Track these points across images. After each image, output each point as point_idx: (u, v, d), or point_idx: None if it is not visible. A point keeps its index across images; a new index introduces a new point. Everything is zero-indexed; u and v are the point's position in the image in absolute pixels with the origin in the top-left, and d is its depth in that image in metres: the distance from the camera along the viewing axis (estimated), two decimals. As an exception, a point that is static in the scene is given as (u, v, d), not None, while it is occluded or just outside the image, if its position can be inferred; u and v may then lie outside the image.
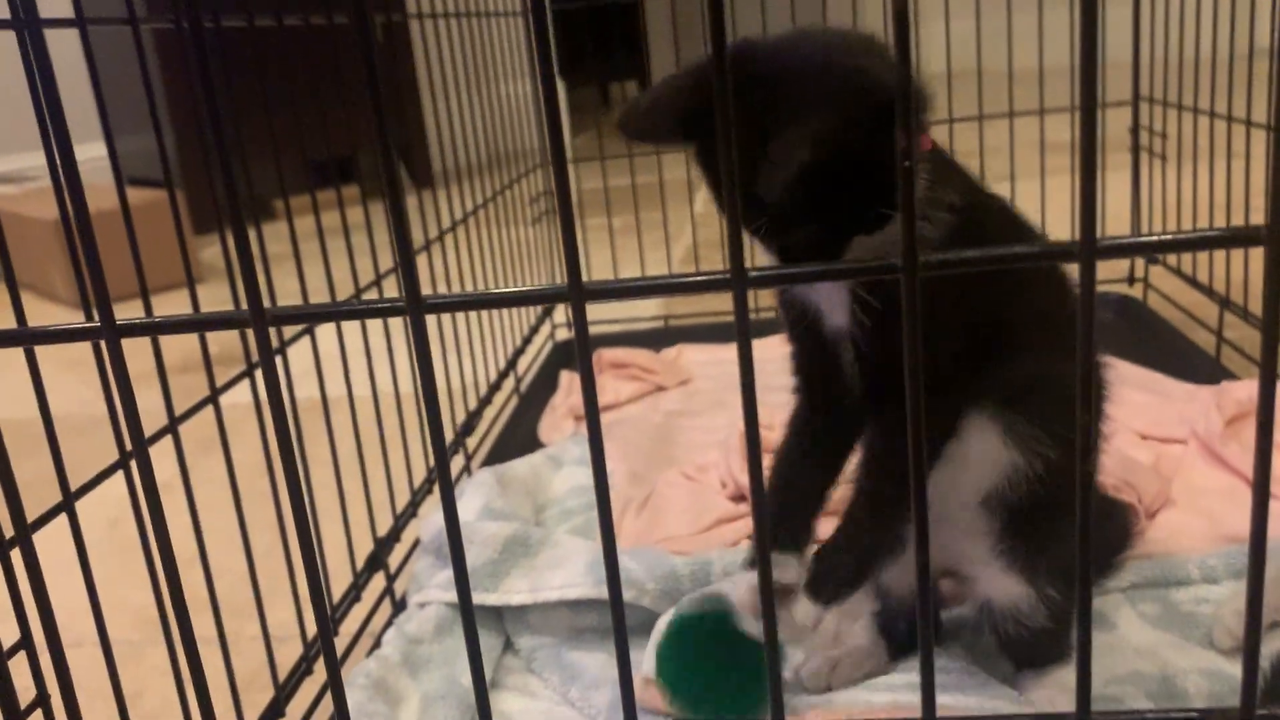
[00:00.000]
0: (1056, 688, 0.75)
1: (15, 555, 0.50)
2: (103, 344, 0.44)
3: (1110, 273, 1.56)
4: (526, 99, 1.63)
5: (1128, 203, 1.55)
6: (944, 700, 0.74)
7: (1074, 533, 0.78)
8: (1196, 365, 1.28)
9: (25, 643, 0.51)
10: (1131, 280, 1.54)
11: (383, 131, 0.32)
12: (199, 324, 0.35)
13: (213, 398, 0.70)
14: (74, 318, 0.37)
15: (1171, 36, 1.36)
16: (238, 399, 0.76)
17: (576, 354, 0.33)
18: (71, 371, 0.97)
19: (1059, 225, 1.55)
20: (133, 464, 0.62)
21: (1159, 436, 1.07)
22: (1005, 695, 0.75)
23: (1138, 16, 1.43)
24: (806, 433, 0.70)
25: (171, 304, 0.69)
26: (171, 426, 0.64)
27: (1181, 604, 0.86)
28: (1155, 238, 0.33)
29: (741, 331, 0.33)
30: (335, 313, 0.34)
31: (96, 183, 2.28)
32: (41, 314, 2.35)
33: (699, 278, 0.33)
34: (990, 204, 0.67)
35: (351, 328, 0.92)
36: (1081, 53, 0.28)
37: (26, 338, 0.36)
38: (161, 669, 0.87)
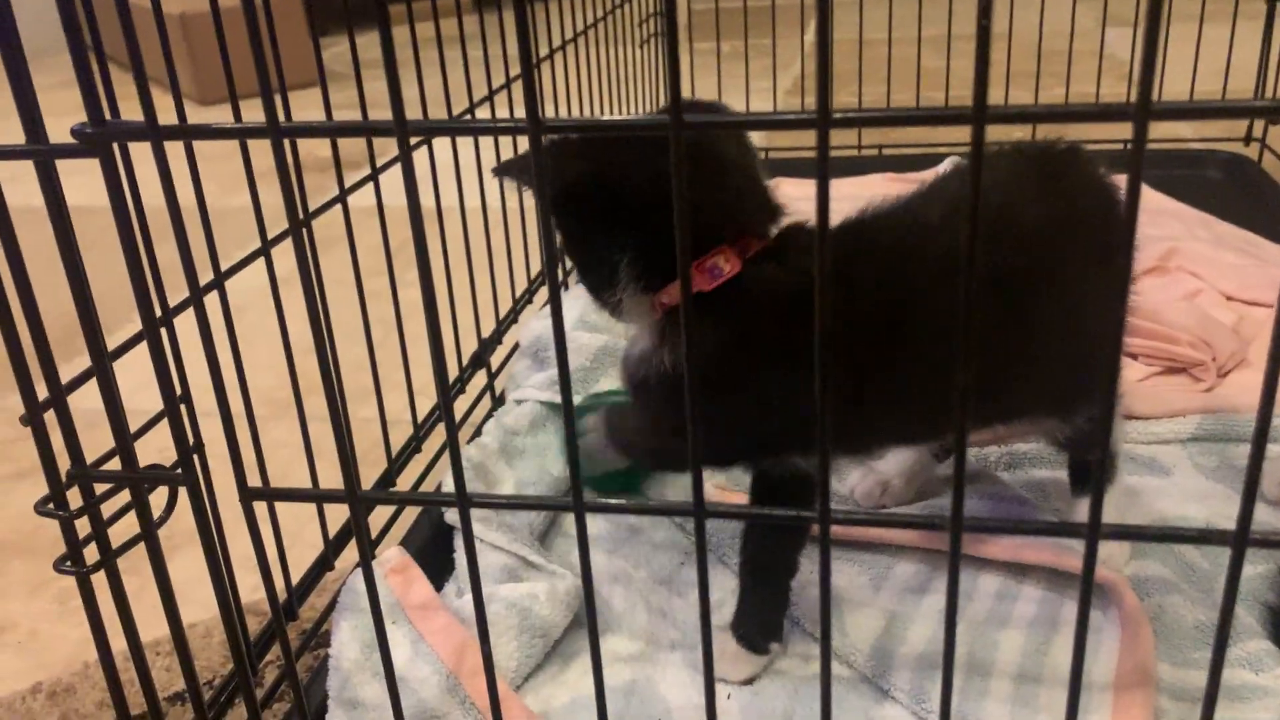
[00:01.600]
0: (1113, 509, 0.79)
1: (177, 322, 0.58)
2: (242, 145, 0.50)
3: (1226, 131, 1.52)
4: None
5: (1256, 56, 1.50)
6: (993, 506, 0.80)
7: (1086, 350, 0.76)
8: (1301, 232, 1.26)
9: (185, 398, 0.60)
10: (1248, 140, 1.50)
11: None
12: (355, 130, 0.40)
13: (341, 197, 0.77)
14: (198, 112, 0.43)
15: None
16: (357, 202, 0.82)
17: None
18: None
19: (1180, 73, 1.51)
20: (273, 251, 0.70)
21: (1245, 299, 1.08)
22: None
23: None
24: None
25: (300, 102, 0.74)
26: (305, 221, 0.71)
27: (1237, 460, 0.89)
28: (1211, 103, 0.36)
29: (821, 173, 0.37)
30: (467, 128, 0.39)
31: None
32: (165, 108, 2.43)
33: (786, 116, 0.37)
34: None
35: (465, 141, 0.97)
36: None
37: (205, 133, 0.42)
38: (283, 442, 0.97)
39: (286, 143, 0.41)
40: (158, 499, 0.53)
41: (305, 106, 0.75)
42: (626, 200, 0.61)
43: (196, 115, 2.52)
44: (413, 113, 0.39)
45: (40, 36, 0.85)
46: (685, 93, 1.50)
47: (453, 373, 1.00)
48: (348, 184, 0.80)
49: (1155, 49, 0.33)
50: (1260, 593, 0.74)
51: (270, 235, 0.71)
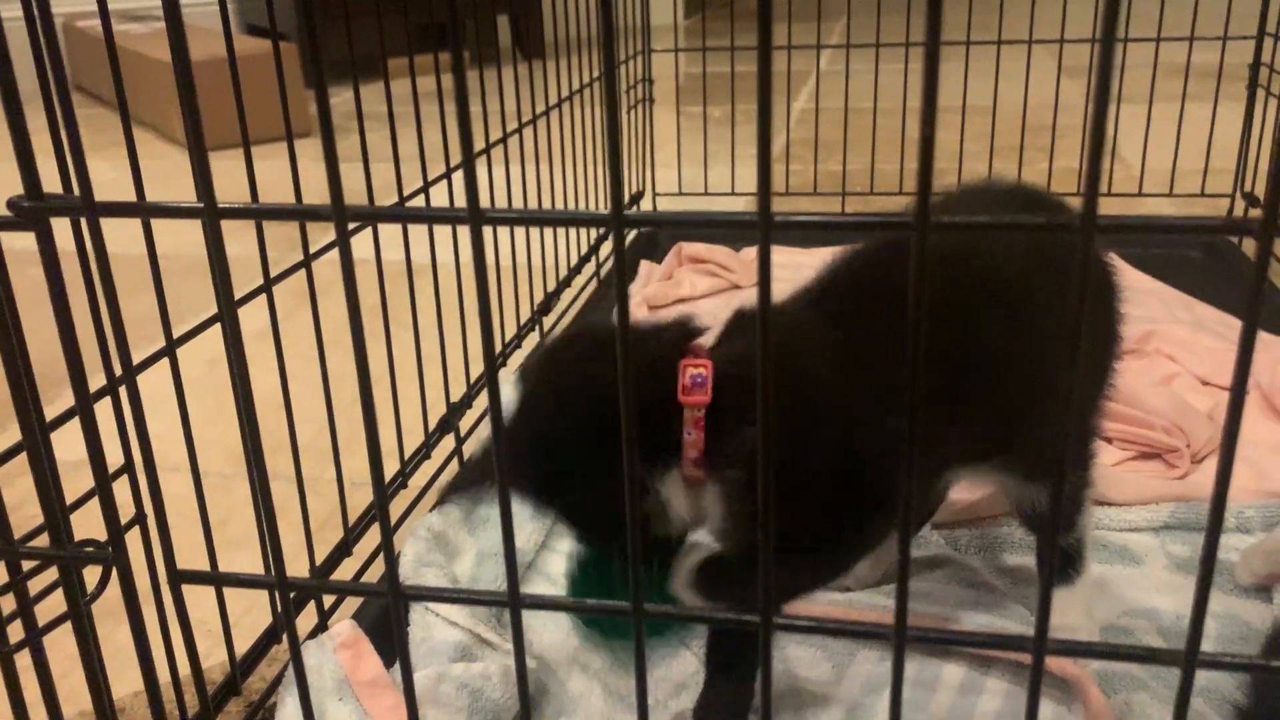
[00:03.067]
0: (1073, 612, 0.78)
1: (122, 392, 0.56)
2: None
3: (1207, 211, 1.53)
4: (635, -20, 1.62)
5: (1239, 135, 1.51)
6: (952, 613, 0.78)
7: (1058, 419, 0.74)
8: (1280, 316, 1.26)
9: (128, 468, 0.58)
10: (1229, 221, 1.51)
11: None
12: (289, 213, 0.40)
13: (305, 263, 0.76)
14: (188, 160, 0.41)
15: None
16: (334, 254, 0.81)
17: (615, 274, 0.37)
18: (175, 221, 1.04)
19: (1163, 151, 1.52)
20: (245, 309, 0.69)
21: (1221, 384, 1.08)
22: (1016, 614, 0.79)
23: (1275, -55, 1.37)
24: None
25: (278, 154, 0.74)
26: (266, 287, 0.70)
27: (1211, 549, 0.88)
28: (1160, 219, 0.35)
29: (763, 279, 0.36)
30: (404, 215, 0.38)
31: (215, 27, 2.34)
32: (159, 154, 2.45)
33: (730, 217, 0.36)
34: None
35: (440, 198, 0.97)
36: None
37: (142, 211, 0.41)
38: (248, 500, 0.95)
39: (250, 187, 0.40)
40: (95, 572, 0.51)
41: (285, 157, 0.74)
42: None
43: (184, 158, 2.53)
44: (389, 172, 0.38)
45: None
46: (670, 157, 1.49)
47: (420, 437, 0.98)
48: (322, 250, 0.80)
49: (1098, 169, 0.33)
50: (1228, 692, 0.73)
51: (246, 290, 0.70)
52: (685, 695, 0.75)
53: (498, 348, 1.14)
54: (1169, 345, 1.14)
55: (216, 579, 0.47)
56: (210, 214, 0.40)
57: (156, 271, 0.59)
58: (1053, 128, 1.56)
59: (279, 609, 0.77)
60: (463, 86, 0.36)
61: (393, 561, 0.43)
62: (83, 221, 0.44)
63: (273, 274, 0.73)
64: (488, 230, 0.37)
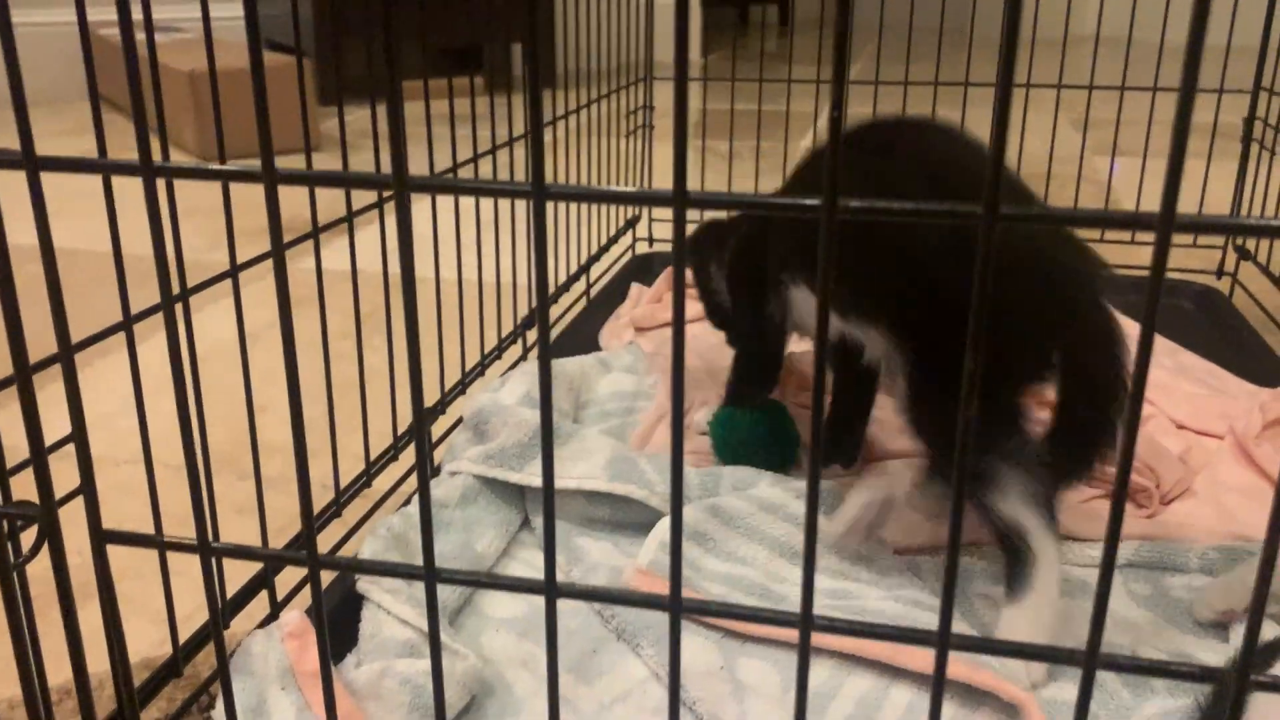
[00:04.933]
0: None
1: (91, 357, 0.57)
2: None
3: (1200, 263, 1.53)
4: (643, 9, 1.64)
5: (1231, 192, 1.52)
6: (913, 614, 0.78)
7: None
8: (1265, 367, 1.26)
9: (75, 437, 0.59)
10: (1220, 273, 1.51)
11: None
12: (227, 175, 0.40)
13: (275, 252, 0.76)
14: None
15: (1303, 26, 1.31)
16: (332, 265, 0.82)
17: (534, 251, 0.38)
18: (185, 220, 1.05)
19: (1159, 202, 1.52)
20: (245, 304, 0.69)
21: (1196, 428, 1.07)
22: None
23: (1272, 2, 1.38)
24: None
25: (292, 165, 0.76)
26: (232, 273, 0.71)
27: (1172, 589, 0.87)
28: (1064, 210, 0.36)
29: (677, 250, 0.37)
30: (327, 178, 0.39)
31: (235, 40, 2.38)
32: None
33: (644, 193, 0.37)
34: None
35: (421, 216, 0.98)
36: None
37: (82, 166, 0.42)
38: (221, 498, 0.96)
39: (223, 196, 0.41)
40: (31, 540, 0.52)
41: (294, 166, 0.75)
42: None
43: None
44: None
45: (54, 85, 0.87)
46: (669, 185, 1.49)
47: (387, 439, 0.99)
48: (294, 241, 0.80)
49: (1002, 155, 0.33)
50: (1177, 728, 0.72)
51: (201, 287, 0.71)
52: (632, 701, 0.74)
53: (476, 358, 1.15)
54: (1148, 388, 1.14)
55: (143, 540, 0.47)
56: (148, 172, 0.41)
57: (115, 235, 0.59)
58: (1047, 176, 1.57)
59: (226, 596, 0.77)
60: (537, 77, 0.37)
61: (311, 528, 0.44)
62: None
63: (172, 289, 0.74)
64: (469, 251, 0.37)
